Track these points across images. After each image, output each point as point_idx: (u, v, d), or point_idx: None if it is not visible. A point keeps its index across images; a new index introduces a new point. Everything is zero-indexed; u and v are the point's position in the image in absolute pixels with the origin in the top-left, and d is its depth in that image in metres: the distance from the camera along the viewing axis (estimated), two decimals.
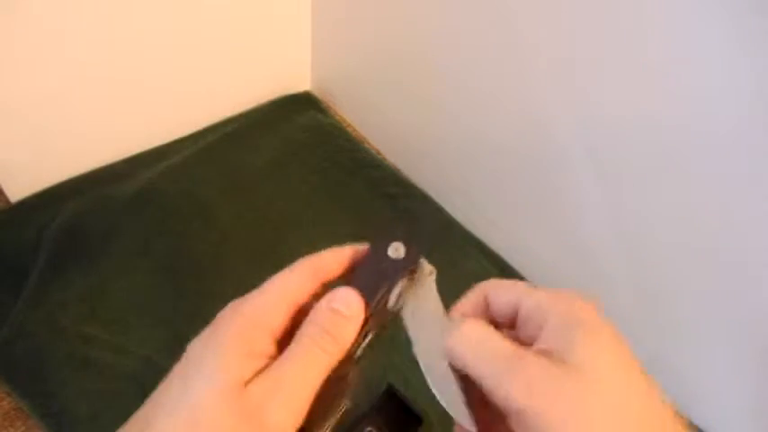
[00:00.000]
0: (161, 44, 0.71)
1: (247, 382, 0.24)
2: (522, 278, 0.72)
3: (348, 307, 0.27)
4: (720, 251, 0.53)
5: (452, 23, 0.66)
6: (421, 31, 0.71)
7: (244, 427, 0.23)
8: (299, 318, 0.27)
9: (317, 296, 0.28)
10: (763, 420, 0.57)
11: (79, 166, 0.73)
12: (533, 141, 0.64)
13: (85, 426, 0.54)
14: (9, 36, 0.58)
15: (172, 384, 0.25)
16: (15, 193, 0.70)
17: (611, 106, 0.55)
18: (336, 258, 0.29)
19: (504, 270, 0.74)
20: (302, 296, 0.28)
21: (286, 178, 0.78)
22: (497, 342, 0.26)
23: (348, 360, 0.27)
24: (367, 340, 0.27)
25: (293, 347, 0.26)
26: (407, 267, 0.28)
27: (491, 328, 0.27)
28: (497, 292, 0.28)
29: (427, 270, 0.29)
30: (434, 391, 0.28)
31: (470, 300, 0.29)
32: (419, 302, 0.29)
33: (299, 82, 0.92)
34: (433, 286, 0.29)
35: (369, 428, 0.55)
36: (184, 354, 0.26)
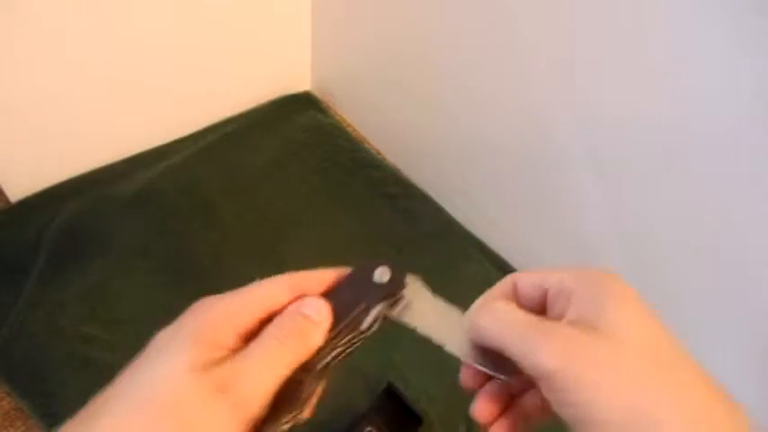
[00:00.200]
0: (161, 44, 0.71)
1: (209, 366, 0.24)
2: None
3: (316, 313, 0.28)
4: (720, 250, 0.53)
5: (452, 24, 0.66)
6: (421, 32, 0.71)
7: (204, 403, 0.23)
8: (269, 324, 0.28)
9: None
10: (764, 420, 0.57)
11: (79, 166, 0.73)
12: (533, 141, 0.64)
13: None
14: (9, 36, 0.58)
15: (132, 367, 0.26)
16: (15, 193, 0.70)
17: (611, 106, 0.55)
18: (319, 277, 0.30)
19: (504, 270, 0.74)
20: (275, 304, 0.28)
21: (286, 178, 0.78)
22: (526, 314, 0.26)
23: (309, 367, 0.27)
24: (332, 355, 0.28)
25: (258, 342, 0.26)
26: (389, 292, 0.28)
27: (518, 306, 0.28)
28: (523, 276, 0.29)
29: (417, 284, 0.29)
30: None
31: (498, 288, 0.30)
32: (422, 308, 0.29)
33: (299, 82, 0.92)
34: (426, 290, 0.30)
35: (369, 428, 0.55)
36: (152, 340, 0.27)
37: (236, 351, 0.26)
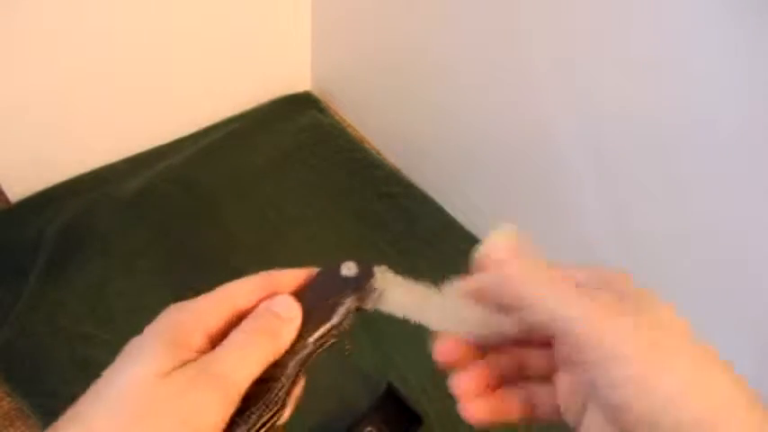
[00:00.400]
0: (161, 44, 0.71)
1: (176, 369, 0.25)
2: None
3: (286, 310, 0.28)
4: (720, 250, 0.53)
5: (452, 24, 0.66)
6: (421, 32, 0.71)
7: (170, 407, 0.23)
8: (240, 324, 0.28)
9: None
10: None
11: (79, 166, 0.73)
12: (534, 141, 0.64)
13: None
14: (9, 36, 0.58)
15: (105, 374, 0.27)
16: (15, 193, 0.70)
17: (611, 106, 0.55)
18: (289, 276, 0.30)
19: None
20: (245, 303, 0.28)
21: (286, 178, 0.78)
22: (557, 272, 0.26)
23: (281, 366, 0.27)
24: (306, 353, 0.28)
25: (227, 341, 0.26)
26: (358, 285, 0.29)
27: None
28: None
29: (387, 274, 0.30)
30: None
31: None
32: (395, 294, 0.29)
33: (299, 82, 0.92)
34: (397, 277, 0.30)
35: (369, 428, 0.55)
36: (126, 345, 0.28)
37: (204, 353, 0.26)
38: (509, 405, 0.29)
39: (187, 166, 0.76)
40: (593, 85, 0.55)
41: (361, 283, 0.29)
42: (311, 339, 0.28)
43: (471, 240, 0.77)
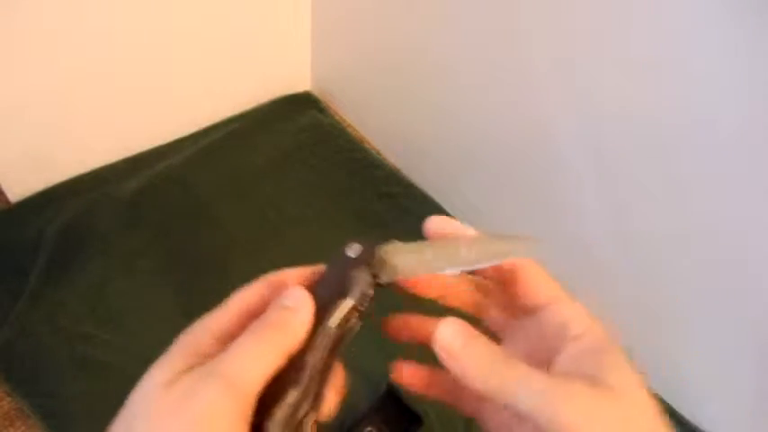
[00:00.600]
0: (161, 44, 0.71)
1: (181, 374, 0.24)
2: None
3: (292, 300, 0.27)
4: (720, 250, 0.53)
5: (452, 24, 0.66)
6: (421, 32, 0.71)
7: (170, 414, 0.23)
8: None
9: None
10: (764, 420, 0.57)
11: (79, 166, 0.73)
12: (533, 141, 0.64)
13: (85, 426, 0.54)
14: (10, 36, 0.58)
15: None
16: (15, 193, 0.70)
17: (611, 106, 0.55)
18: (297, 273, 0.30)
19: None
20: (255, 304, 0.28)
21: (286, 178, 0.78)
22: (525, 365, 0.25)
23: (301, 358, 0.26)
24: (329, 340, 0.27)
25: (234, 342, 0.25)
26: (365, 259, 0.29)
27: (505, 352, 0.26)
28: (533, 281, 0.28)
29: (393, 244, 0.29)
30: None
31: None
32: (402, 258, 0.29)
33: (299, 82, 0.92)
34: (399, 243, 0.30)
35: (369, 428, 0.55)
36: None
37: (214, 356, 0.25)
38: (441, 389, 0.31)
39: (187, 167, 0.76)
40: (594, 85, 0.55)
41: (368, 257, 0.28)
42: (331, 324, 0.27)
43: None
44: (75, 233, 0.67)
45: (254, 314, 0.27)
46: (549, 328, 0.27)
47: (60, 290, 0.62)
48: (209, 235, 0.70)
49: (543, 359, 0.26)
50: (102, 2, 0.62)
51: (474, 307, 0.31)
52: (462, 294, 0.31)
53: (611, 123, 0.55)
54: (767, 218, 0.49)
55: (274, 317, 0.26)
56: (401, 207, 0.78)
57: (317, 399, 0.26)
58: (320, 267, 0.29)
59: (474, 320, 0.28)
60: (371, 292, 0.28)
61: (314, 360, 0.26)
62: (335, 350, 0.27)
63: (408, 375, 0.32)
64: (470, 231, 0.28)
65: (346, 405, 0.29)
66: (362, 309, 0.28)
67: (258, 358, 0.25)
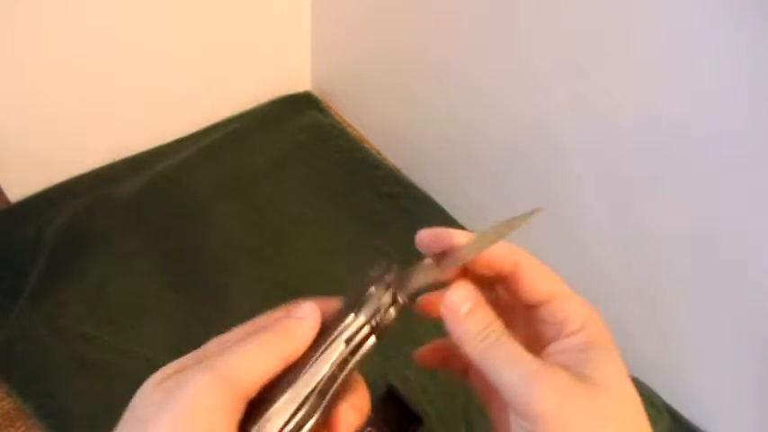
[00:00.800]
0: (161, 44, 0.71)
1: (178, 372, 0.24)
2: None
3: (301, 311, 0.27)
4: (720, 250, 0.53)
5: (452, 24, 0.66)
6: (421, 32, 0.71)
7: (160, 408, 0.22)
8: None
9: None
10: (764, 421, 0.57)
11: (79, 166, 0.73)
12: (534, 142, 0.64)
13: (85, 426, 0.54)
14: (10, 36, 0.58)
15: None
16: (15, 193, 0.70)
17: (611, 106, 0.55)
18: (322, 302, 0.28)
19: None
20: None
21: (286, 178, 0.78)
22: (519, 347, 0.25)
23: (302, 367, 0.25)
24: (338, 353, 0.26)
25: (235, 344, 0.25)
26: (382, 277, 0.28)
27: (505, 329, 0.26)
28: (535, 278, 0.28)
29: (417, 264, 0.29)
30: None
31: (494, 258, 0.28)
32: (423, 275, 0.28)
33: (299, 82, 0.92)
34: (421, 262, 0.29)
35: (369, 428, 0.55)
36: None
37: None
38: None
39: (187, 167, 0.76)
40: (594, 85, 0.55)
41: (386, 275, 0.28)
42: (338, 337, 0.26)
43: None
44: (75, 233, 0.67)
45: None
46: (548, 324, 0.27)
47: (60, 290, 0.62)
48: (209, 235, 0.70)
49: (537, 354, 0.26)
50: (102, 2, 0.62)
51: None
52: None
53: (612, 123, 0.55)
54: (767, 218, 0.49)
55: (279, 324, 0.26)
56: (401, 207, 0.78)
57: (325, 412, 0.25)
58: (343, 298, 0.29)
59: None
60: (386, 309, 0.27)
61: (317, 371, 0.25)
62: (345, 365, 0.26)
63: (429, 350, 0.32)
64: (462, 236, 0.28)
65: None
66: (375, 325, 0.27)
67: (254, 357, 0.24)
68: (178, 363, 0.25)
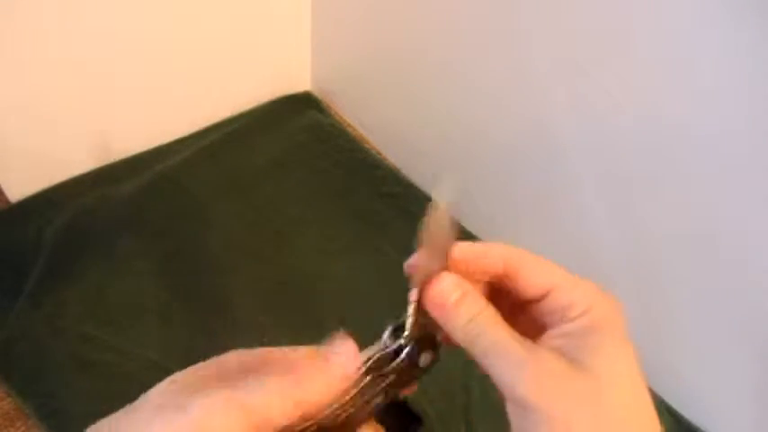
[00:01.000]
0: (161, 44, 0.71)
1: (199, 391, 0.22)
2: None
3: (337, 351, 0.25)
4: (720, 250, 0.53)
5: (453, 23, 0.66)
6: (421, 32, 0.71)
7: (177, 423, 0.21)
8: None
9: None
10: (764, 421, 0.57)
11: (79, 166, 0.73)
12: (534, 141, 0.64)
13: (85, 426, 0.54)
14: (9, 36, 0.58)
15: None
16: (15, 193, 0.70)
17: (611, 106, 0.55)
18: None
19: None
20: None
21: (286, 178, 0.78)
22: (508, 330, 0.25)
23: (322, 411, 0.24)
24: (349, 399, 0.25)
25: (264, 374, 0.23)
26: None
27: (497, 313, 0.26)
28: (529, 272, 0.27)
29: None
30: None
31: (480, 261, 0.28)
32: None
33: (299, 82, 0.92)
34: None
35: (369, 429, 0.55)
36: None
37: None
38: None
39: (187, 167, 0.76)
40: (594, 85, 0.55)
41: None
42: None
43: (471, 240, 0.76)
44: (75, 233, 0.67)
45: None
46: (552, 314, 0.26)
47: (60, 290, 0.62)
48: (208, 235, 0.70)
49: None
50: (102, 2, 0.62)
51: None
52: None
53: (612, 123, 0.55)
54: (767, 218, 0.49)
55: (318, 369, 0.24)
56: (401, 207, 0.78)
57: None
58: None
59: None
60: (388, 353, 0.27)
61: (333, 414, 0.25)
62: (352, 411, 0.26)
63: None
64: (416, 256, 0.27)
65: None
66: (373, 367, 0.26)
67: (284, 398, 0.22)
68: (197, 374, 0.23)
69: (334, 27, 0.84)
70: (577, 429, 0.23)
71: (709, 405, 0.62)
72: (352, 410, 0.26)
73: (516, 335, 0.25)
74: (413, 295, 0.27)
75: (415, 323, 0.27)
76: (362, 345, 0.26)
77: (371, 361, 0.26)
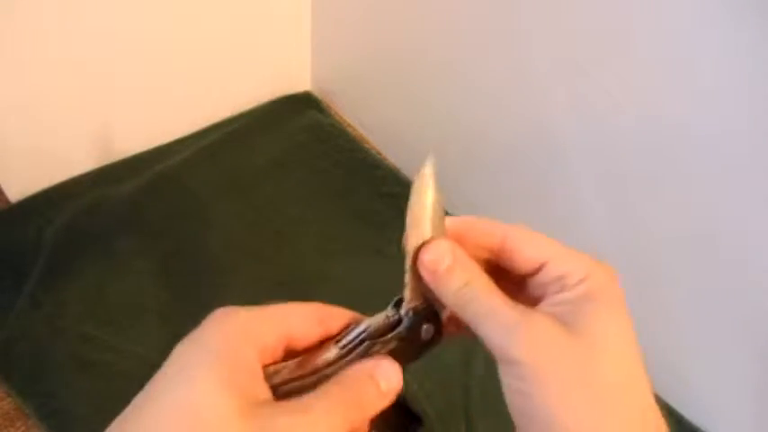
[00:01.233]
0: (161, 44, 0.71)
1: (249, 405, 0.22)
2: None
3: (387, 382, 0.26)
4: (720, 250, 0.53)
5: (453, 23, 0.66)
6: (421, 32, 0.71)
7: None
8: (290, 354, 0.26)
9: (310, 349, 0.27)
10: (764, 421, 0.57)
11: (79, 166, 0.73)
12: (534, 142, 0.64)
13: (85, 426, 0.54)
14: (9, 36, 0.58)
15: (152, 388, 0.23)
16: (15, 193, 0.70)
17: (611, 106, 0.55)
18: (342, 315, 0.28)
19: None
20: (299, 330, 0.26)
21: (286, 178, 0.78)
22: (501, 295, 0.25)
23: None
24: None
25: (317, 399, 0.24)
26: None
27: (490, 280, 0.26)
28: (524, 244, 0.27)
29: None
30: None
31: (479, 234, 0.28)
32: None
33: (299, 82, 0.92)
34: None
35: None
36: (170, 356, 0.24)
37: (257, 375, 0.24)
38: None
39: (187, 167, 0.76)
40: (594, 85, 0.55)
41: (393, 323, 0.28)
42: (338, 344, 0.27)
43: None
44: (75, 233, 0.67)
45: (295, 340, 0.26)
46: (548, 285, 0.26)
47: (60, 290, 0.62)
48: (208, 235, 0.70)
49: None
50: (102, 2, 0.62)
51: None
52: None
53: (612, 123, 0.55)
54: (767, 218, 0.49)
55: (363, 394, 0.25)
56: (401, 207, 0.77)
57: None
58: (357, 317, 0.29)
59: None
60: (385, 325, 0.27)
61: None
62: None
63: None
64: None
65: None
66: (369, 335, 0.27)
67: (343, 419, 0.24)
68: (220, 367, 0.23)
69: (334, 27, 0.84)
70: (569, 389, 0.23)
71: (709, 405, 0.62)
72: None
73: (509, 300, 0.25)
74: (408, 261, 0.27)
75: (414, 291, 0.27)
76: None
77: (372, 327, 0.27)
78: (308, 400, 0.24)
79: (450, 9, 0.65)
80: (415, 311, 0.27)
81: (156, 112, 0.77)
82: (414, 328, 0.27)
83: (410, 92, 0.78)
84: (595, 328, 0.24)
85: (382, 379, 0.26)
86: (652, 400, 0.24)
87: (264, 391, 0.24)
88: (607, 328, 0.24)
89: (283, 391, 0.25)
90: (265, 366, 0.25)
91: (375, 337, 0.27)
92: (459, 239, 0.28)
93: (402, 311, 0.27)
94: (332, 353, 0.26)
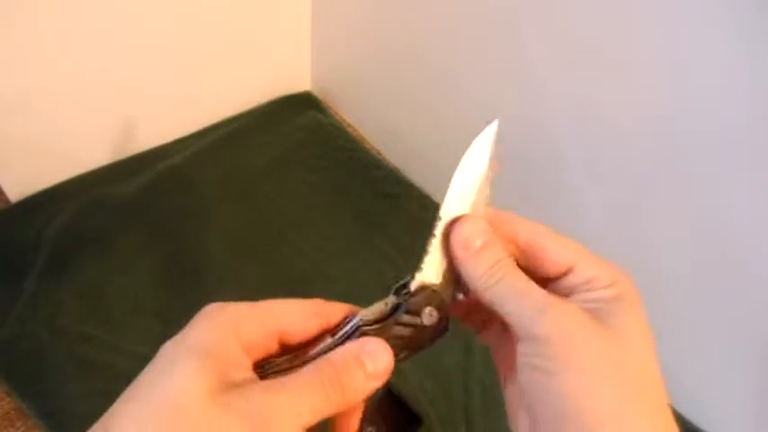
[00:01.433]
0: (161, 44, 0.71)
1: (227, 388, 0.22)
2: None
3: (374, 363, 0.25)
4: (720, 250, 0.53)
5: (452, 24, 0.66)
6: (421, 32, 0.71)
7: (222, 425, 0.21)
8: (288, 350, 0.26)
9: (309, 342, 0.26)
10: (763, 421, 0.57)
11: (79, 166, 0.73)
12: (534, 142, 0.64)
13: (85, 426, 0.54)
14: (9, 36, 0.58)
15: (139, 384, 0.24)
16: (15, 193, 0.70)
17: (611, 106, 0.55)
18: (338, 309, 0.27)
19: None
20: (291, 325, 0.26)
21: (286, 178, 0.78)
22: (529, 280, 0.25)
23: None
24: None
25: (295, 377, 0.23)
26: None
27: (516, 266, 0.26)
28: (556, 247, 0.27)
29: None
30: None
31: (512, 224, 0.28)
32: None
33: (299, 82, 0.92)
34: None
35: (369, 429, 0.55)
36: (158, 353, 0.25)
37: (242, 367, 0.24)
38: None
39: (187, 167, 0.76)
40: (594, 85, 0.55)
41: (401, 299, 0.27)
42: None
43: None
44: (75, 233, 0.67)
45: (286, 335, 0.26)
46: (573, 288, 0.26)
47: (60, 290, 0.62)
48: (208, 235, 0.70)
49: None
50: (103, 1, 0.62)
51: None
52: None
53: (612, 123, 0.55)
54: (767, 218, 0.49)
55: (348, 371, 0.24)
56: (401, 207, 0.78)
57: None
58: (354, 309, 0.28)
59: None
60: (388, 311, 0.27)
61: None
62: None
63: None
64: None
65: None
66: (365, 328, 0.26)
67: (310, 408, 0.23)
68: (205, 360, 0.23)
69: (334, 27, 0.84)
70: (594, 372, 0.23)
71: (709, 405, 0.62)
72: None
73: (537, 286, 0.25)
74: (437, 228, 0.27)
75: (432, 262, 0.27)
76: None
77: (369, 315, 0.26)
78: (285, 378, 0.23)
79: (450, 9, 0.65)
80: (418, 294, 0.27)
81: (157, 112, 0.77)
82: (415, 310, 0.26)
83: (410, 92, 0.78)
84: (624, 326, 0.24)
85: (368, 360, 0.24)
86: (667, 406, 0.25)
87: (248, 377, 0.24)
88: (635, 328, 0.24)
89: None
90: (258, 361, 0.25)
91: (371, 323, 0.26)
92: (491, 224, 0.28)
93: (411, 284, 0.27)
94: (325, 343, 0.26)
